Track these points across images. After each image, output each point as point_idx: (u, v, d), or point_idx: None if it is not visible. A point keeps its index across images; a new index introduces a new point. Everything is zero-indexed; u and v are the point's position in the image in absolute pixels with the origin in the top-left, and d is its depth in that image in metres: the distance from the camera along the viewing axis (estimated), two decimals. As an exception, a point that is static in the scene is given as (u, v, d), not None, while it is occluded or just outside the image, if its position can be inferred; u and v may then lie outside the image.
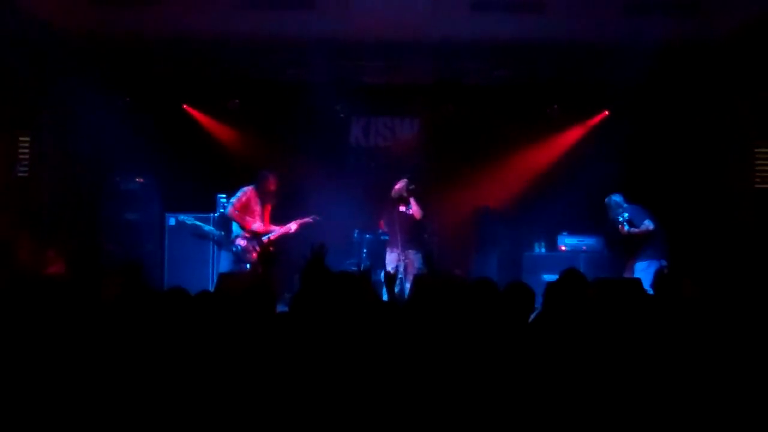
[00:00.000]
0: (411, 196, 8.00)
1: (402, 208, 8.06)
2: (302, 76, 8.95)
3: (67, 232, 8.13)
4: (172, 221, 8.88)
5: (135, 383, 2.95)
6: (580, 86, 9.14)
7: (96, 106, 8.37)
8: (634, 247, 7.63)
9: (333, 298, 3.60)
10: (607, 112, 9.43)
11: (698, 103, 8.87)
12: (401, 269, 7.83)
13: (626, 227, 7.55)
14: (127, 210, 8.97)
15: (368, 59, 8.84)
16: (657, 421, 2.97)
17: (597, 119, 9.50)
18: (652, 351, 3.34)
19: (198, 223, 8.79)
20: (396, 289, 7.52)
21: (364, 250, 8.82)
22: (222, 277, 6.68)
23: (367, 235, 8.89)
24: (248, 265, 8.03)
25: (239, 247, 8.06)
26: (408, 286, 7.51)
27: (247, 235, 8.09)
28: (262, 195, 8.19)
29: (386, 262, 8.08)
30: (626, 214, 7.57)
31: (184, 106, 9.46)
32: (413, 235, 8.07)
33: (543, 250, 9.19)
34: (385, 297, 5.32)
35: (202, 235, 8.81)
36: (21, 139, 8.58)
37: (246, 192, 8.14)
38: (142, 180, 9.09)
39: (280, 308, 4.36)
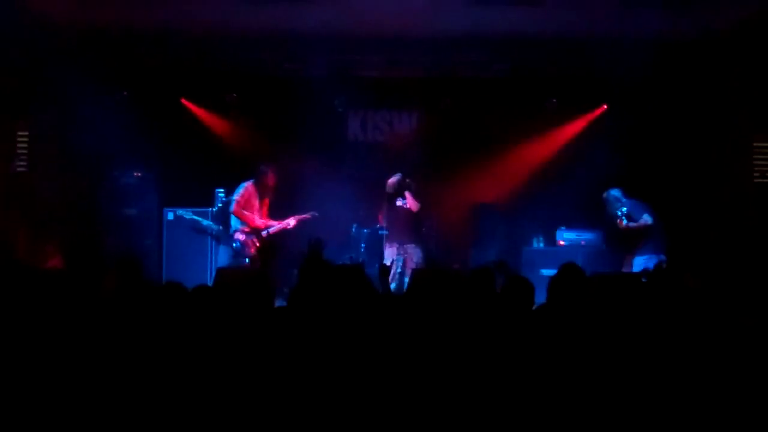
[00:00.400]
0: (405, 190, 7.97)
1: (399, 203, 8.05)
2: (300, 70, 8.94)
3: (65, 226, 8.12)
4: (170, 216, 8.88)
5: (133, 377, 2.95)
6: (579, 80, 9.14)
7: (94, 100, 8.36)
8: (632, 241, 7.62)
9: (331, 292, 3.60)
10: (605, 107, 9.42)
11: (697, 97, 8.86)
12: (400, 263, 7.82)
13: (625, 222, 7.54)
14: (125, 204, 8.96)
15: (366, 53, 8.83)
16: (657, 413, 2.97)
17: (596, 113, 9.49)
18: (651, 346, 3.34)
19: (196, 217, 8.78)
20: (395, 284, 7.56)
21: (363, 245, 8.83)
22: (220, 271, 6.68)
23: (365, 230, 8.89)
24: (247, 260, 8.03)
25: (238, 242, 8.06)
26: (407, 280, 7.50)
27: (246, 230, 8.09)
28: (261, 190, 8.19)
29: (385, 256, 8.08)
30: (625, 209, 7.55)
31: (182, 100, 9.44)
32: (412, 229, 8.05)
33: (541, 244, 9.19)
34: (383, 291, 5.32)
35: (201, 230, 8.81)
36: (19, 134, 8.57)
37: (247, 187, 8.13)
38: (140, 174, 9.08)
39: (279, 303, 4.36)
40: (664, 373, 3.15)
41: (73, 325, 3.32)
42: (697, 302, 4.10)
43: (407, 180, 8.04)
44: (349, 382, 2.96)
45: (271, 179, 8.18)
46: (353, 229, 8.95)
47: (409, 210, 8.00)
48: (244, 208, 8.07)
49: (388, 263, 7.71)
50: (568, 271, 4.26)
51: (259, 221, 8.13)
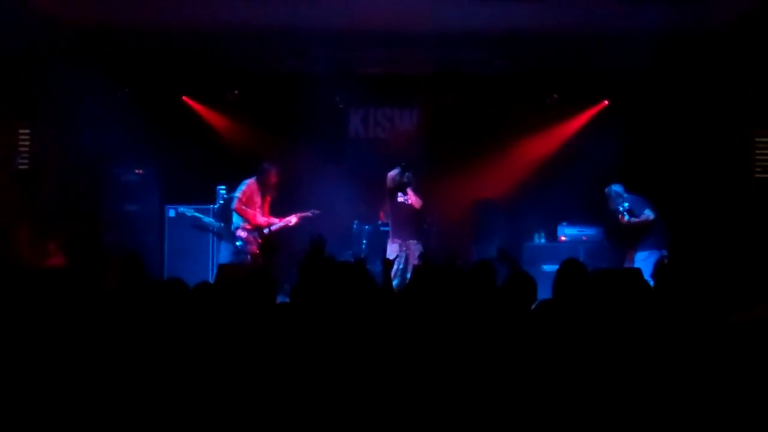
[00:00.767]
0: (407, 186, 7.95)
1: (401, 198, 8.03)
2: (301, 67, 8.93)
3: (67, 224, 8.13)
4: (171, 213, 8.88)
5: (135, 374, 2.95)
6: (580, 76, 9.13)
7: (95, 98, 8.37)
8: (634, 237, 7.63)
9: (332, 288, 3.61)
10: (607, 102, 9.41)
11: (698, 92, 8.85)
12: (402, 260, 7.82)
13: (626, 217, 7.55)
14: (126, 202, 8.99)
15: (368, 50, 8.83)
16: (660, 408, 2.98)
17: (597, 109, 9.48)
18: (654, 342, 3.34)
19: (198, 214, 8.79)
20: (398, 280, 7.55)
21: (364, 241, 8.83)
22: (222, 268, 6.69)
23: (367, 227, 8.89)
24: (249, 257, 8.04)
25: (240, 240, 8.06)
26: (409, 276, 7.49)
27: (248, 227, 8.10)
28: (263, 187, 8.20)
29: (387, 252, 8.08)
30: (626, 204, 7.56)
31: (183, 97, 9.44)
32: (414, 225, 8.04)
33: (543, 240, 9.19)
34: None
35: (202, 227, 8.82)
36: (21, 131, 8.56)
37: (249, 185, 8.14)
38: (141, 171, 9.10)
39: (280, 299, 4.36)
40: (667, 369, 3.15)
41: (75, 323, 3.33)
42: (698, 298, 4.10)
43: (408, 175, 8.00)
44: (350, 379, 2.96)
45: (273, 177, 8.19)
46: (355, 226, 8.95)
47: (411, 206, 7.99)
48: (246, 206, 8.08)
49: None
50: (569, 267, 4.26)
51: (260, 219, 8.15)
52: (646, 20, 7.57)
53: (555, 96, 9.26)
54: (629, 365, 3.15)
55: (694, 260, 7.18)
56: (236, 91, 9.29)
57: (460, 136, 9.58)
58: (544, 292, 4.22)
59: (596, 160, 8.46)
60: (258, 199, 8.18)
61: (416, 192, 8.00)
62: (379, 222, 8.85)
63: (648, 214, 7.51)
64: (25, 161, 8.49)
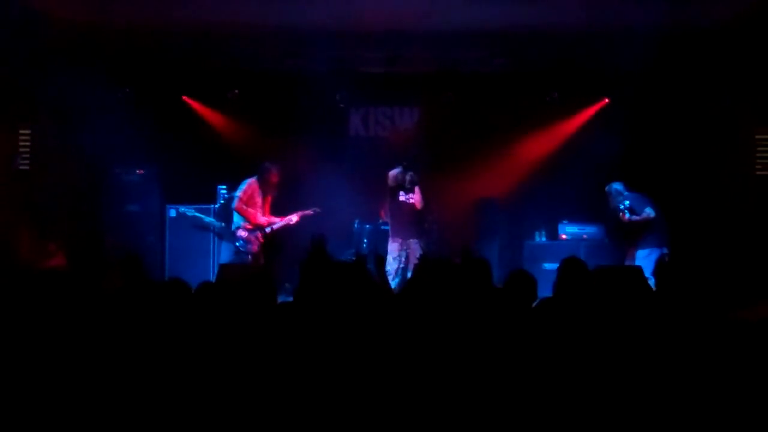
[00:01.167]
0: (416, 186, 7.95)
1: (402, 197, 8.03)
2: (302, 66, 8.93)
3: (67, 224, 8.14)
4: (172, 213, 8.89)
5: (137, 374, 2.95)
6: (580, 74, 9.12)
7: (96, 98, 8.37)
8: (635, 235, 7.63)
9: (334, 288, 3.61)
10: (607, 100, 9.40)
11: (698, 90, 8.84)
12: (403, 258, 7.82)
13: (627, 215, 7.54)
14: (127, 202, 8.99)
15: (368, 49, 8.82)
16: (661, 406, 2.98)
17: (597, 107, 9.47)
18: (655, 340, 3.34)
19: (198, 214, 8.80)
20: (398, 279, 7.56)
21: (365, 240, 8.83)
22: (223, 267, 6.69)
23: (368, 225, 8.89)
24: (250, 257, 8.04)
25: (241, 239, 8.06)
26: (410, 275, 7.49)
27: (249, 227, 8.10)
28: (264, 187, 8.20)
29: (388, 251, 8.08)
30: (627, 202, 7.56)
31: (184, 97, 9.44)
32: (415, 224, 8.04)
33: (544, 239, 9.19)
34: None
35: (203, 227, 8.82)
36: (21, 132, 8.58)
37: (250, 184, 8.14)
38: (142, 171, 9.10)
39: (281, 298, 4.37)
40: (668, 367, 3.15)
41: (76, 324, 3.33)
42: (698, 296, 4.10)
43: (412, 174, 7.99)
44: (352, 377, 2.97)
45: (274, 177, 8.18)
46: (355, 225, 8.96)
47: (412, 205, 7.99)
48: (246, 205, 8.08)
49: (393, 258, 7.73)
50: (570, 265, 4.26)
51: (261, 218, 8.15)
52: (646, 17, 7.56)
53: (555, 94, 9.24)
54: (630, 363, 3.15)
55: (695, 258, 7.17)
56: (237, 91, 9.29)
57: (461, 135, 9.57)
58: (544, 291, 4.22)
59: (597, 158, 8.46)
60: (259, 199, 8.18)
61: (421, 191, 8.01)
62: (380, 221, 8.85)
63: (649, 212, 7.51)
64: (26, 161, 8.51)
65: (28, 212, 7.97)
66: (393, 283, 7.35)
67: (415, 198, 7.95)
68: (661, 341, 3.33)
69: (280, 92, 9.29)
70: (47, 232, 7.58)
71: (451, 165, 9.32)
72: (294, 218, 8.25)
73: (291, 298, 3.92)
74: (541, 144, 9.56)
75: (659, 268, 4.72)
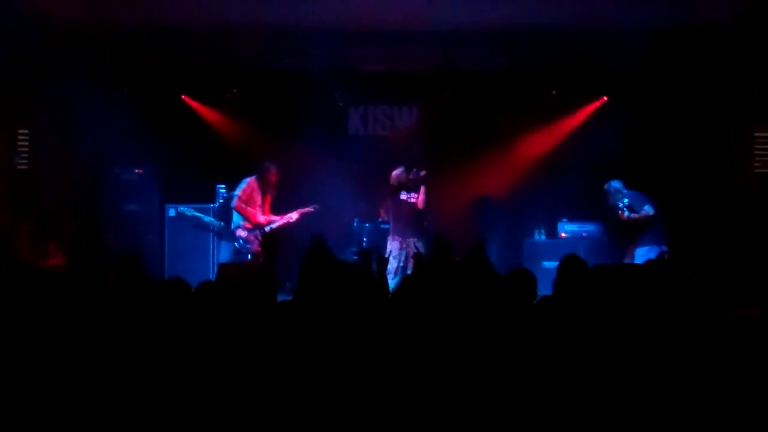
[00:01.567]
0: (422, 184, 7.95)
1: (404, 196, 8.03)
2: (301, 65, 8.93)
3: (66, 224, 8.13)
4: (171, 212, 8.88)
5: (137, 374, 2.95)
6: (579, 72, 9.12)
7: (94, 97, 8.37)
8: (634, 232, 7.63)
9: (334, 287, 3.61)
10: (606, 98, 9.40)
11: (697, 88, 8.85)
12: (402, 257, 7.83)
13: (626, 213, 7.55)
14: (126, 201, 8.98)
15: (367, 47, 8.82)
16: (659, 405, 2.98)
17: (596, 105, 9.47)
18: (654, 337, 3.34)
19: (198, 213, 8.79)
20: (398, 278, 7.55)
21: (364, 239, 8.83)
22: (222, 266, 6.69)
23: (367, 224, 8.89)
24: (249, 256, 8.03)
25: (241, 239, 8.06)
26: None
27: (248, 226, 8.09)
28: (263, 186, 8.19)
29: (387, 249, 8.08)
30: (626, 200, 7.57)
31: (183, 96, 9.43)
32: (415, 223, 8.04)
33: (543, 237, 9.19)
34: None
35: (202, 226, 8.82)
36: (20, 131, 8.57)
37: (249, 183, 8.14)
38: (141, 171, 9.09)
39: (281, 297, 4.36)
40: (668, 364, 3.15)
41: (75, 323, 3.33)
42: (698, 294, 4.10)
43: (415, 171, 7.99)
44: (350, 377, 2.97)
45: (273, 176, 8.18)
46: (355, 224, 8.95)
47: (414, 204, 8.00)
48: (245, 204, 8.08)
49: (392, 257, 7.72)
50: (569, 263, 4.27)
51: (260, 217, 8.14)
52: (644, 16, 7.58)
53: (554, 92, 9.25)
54: (630, 361, 3.16)
55: (694, 256, 7.18)
56: (235, 90, 9.28)
57: (460, 134, 9.57)
58: (544, 289, 4.22)
59: (596, 156, 8.47)
60: (258, 198, 8.18)
61: (426, 191, 8.01)
62: (380, 219, 8.84)
63: (648, 209, 7.51)
64: (25, 161, 8.49)
65: (27, 212, 7.96)
66: (393, 281, 7.34)
67: (417, 197, 7.95)
68: (661, 339, 3.34)
69: (279, 91, 9.28)
70: (46, 231, 7.58)
71: (450, 163, 9.31)
72: (294, 216, 8.25)
73: (291, 297, 3.92)
74: (541, 142, 9.56)
75: (659, 267, 4.73)
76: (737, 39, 8.12)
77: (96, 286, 4.30)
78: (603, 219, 8.75)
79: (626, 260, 7.65)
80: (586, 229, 9.01)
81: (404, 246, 7.88)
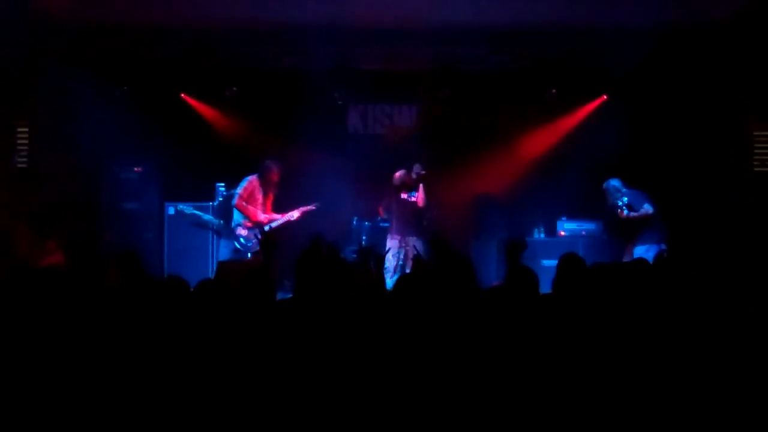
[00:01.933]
0: (420, 183, 7.98)
1: (404, 196, 8.06)
2: (300, 64, 8.93)
3: (65, 222, 8.12)
4: (171, 210, 8.88)
5: (136, 372, 2.96)
6: (579, 71, 9.12)
7: (94, 95, 8.36)
8: (633, 231, 7.63)
9: (331, 285, 3.61)
10: (605, 97, 9.40)
11: (697, 86, 8.85)
12: (401, 256, 7.84)
13: (625, 211, 7.55)
14: (125, 199, 8.98)
15: (366, 46, 8.82)
16: (657, 404, 2.98)
17: (595, 104, 9.47)
18: (653, 336, 3.35)
19: (197, 212, 8.78)
20: (396, 276, 7.56)
21: (363, 238, 8.83)
22: (221, 265, 6.68)
23: (366, 223, 8.89)
24: (249, 255, 8.02)
25: (242, 238, 8.04)
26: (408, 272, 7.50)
27: (249, 224, 8.08)
28: (265, 185, 8.17)
29: (387, 248, 8.09)
30: (625, 199, 7.57)
31: (182, 94, 9.43)
32: (414, 222, 8.07)
33: (542, 235, 9.19)
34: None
35: (202, 224, 8.81)
36: (19, 129, 8.57)
37: (251, 181, 8.12)
38: (140, 169, 9.09)
39: (281, 295, 4.36)
40: (666, 362, 3.16)
41: (75, 321, 3.33)
42: (698, 292, 4.11)
43: (423, 172, 8.01)
44: (349, 375, 2.97)
45: (275, 175, 8.16)
46: (354, 222, 8.96)
47: (415, 203, 8.02)
48: (247, 202, 8.06)
49: (391, 256, 7.74)
50: (568, 261, 4.27)
51: (261, 216, 8.12)
52: (644, 14, 7.57)
53: (553, 91, 9.25)
54: (629, 358, 3.16)
55: (694, 254, 7.19)
56: (235, 88, 9.28)
57: (459, 132, 9.58)
58: (543, 287, 4.22)
59: (595, 154, 8.47)
60: (259, 197, 8.16)
61: (425, 189, 8.03)
62: (379, 218, 8.85)
63: (647, 208, 7.51)
64: (24, 159, 8.49)
65: (26, 210, 7.96)
66: (392, 280, 7.35)
67: (417, 196, 7.99)
68: (659, 337, 3.34)
69: (279, 89, 9.28)
70: (46, 229, 7.57)
71: (449, 162, 9.32)
72: (295, 214, 8.24)
73: (290, 295, 3.93)
74: (540, 141, 9.56)
75: (657, 264, 4.74)
76: (737, 38, 8.12)
77: (95, 285, 4.30)
78: (602, 218, 8.75)
79: (625, 259, 7.65)
80: (586, 227, 9.02)
81: (403, 245, 7.91)
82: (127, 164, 9.05)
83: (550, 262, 8.01)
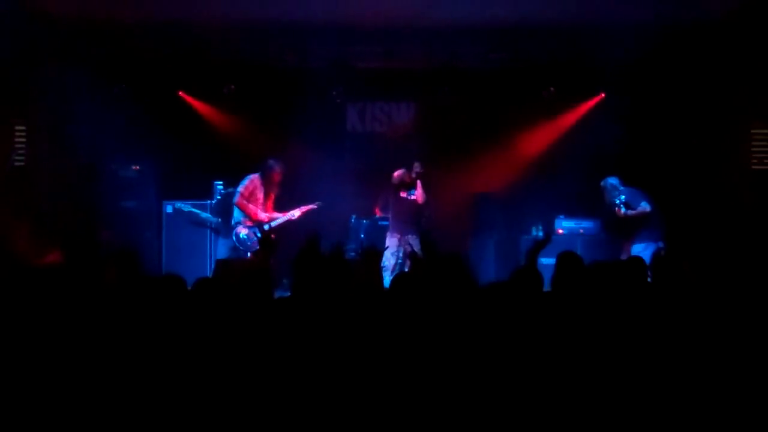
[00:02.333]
0: (418, 180, 7.98)
1: (403, 194, 8.07)
2: (298, 62, 8.93)
3: (63, 221, 8.12)
4: (169, 209, 8.87)
5: (133, 370, 2.96)
6: (576, 69, 9.12)
7: (91, 93, 8.35)
8: (630, 229, 7.64)
9: (328, 284, 3.61)
10: (603, 95, 9.41)
11: (695, 84, 8.86)
12: (400, 254, 7.84)
13: (623, 210, 7.56)
14: (123, 198, 8.97)
15: (364, 44, 8.82)
16: (655, 403, 2.99)
17: (593, 102, 9.48)
18: (651, 334, 3.35)
19: (195, 210, 8.77)
20: (395, 274, 7.56)
21: (362, 236, 8.84)
22: (219, 263, 6.68)
23: (365, 221, 8.90)
24: (249, 254, 7.99)
25: (241, 236, 8.02)
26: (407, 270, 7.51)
27: (249, 223, 8.04)
28: (267, 184, 8.09)
29: (386, 247, 8.09)
30: (623, 197, 7.58)
31: (180, 93, 9.42)
32: (413, 220, 8.07)
33: (540, 233, 9.19)
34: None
35: (200, 223, 8.80)
36: (16, 128, 8.56)
37: (252, 180, 8.06)
38: (138, 168, 9.08)
39: (279, 294, 4.36)
40: (664, 360, 3.16)
41: (72, 320, 3.33)
42: (695, 290, 4.11)
43: (421, 170, 8.01)
44: (347, 373, 2.97)
45: (278, 175, 8.07)
46: (352, 220, 8.96)
47: (414, 201, 8.03)
48: (247, 201, 8.03)
49: (391, 254, 7.74)
50: (566, 259, 4.27)
51: (262, 214, 8.07)
52: (642, 12, 7.58)
53: (551, 89, 9.25)
54: (626, 356, 3.16)
55: (691, 252, 7.19)
56: (233, 86, 9.26)
57: (457, 130, 9.59)
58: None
59: (593, 152, 8.48)
60: (260, 195, 8.12)
61: (424, 186, 8.03)
62: (377, 216, 8.85)
63: (644, 206, 7.52)
64: (22, 158, 8.48)
65: (24, 209, 7.94)
66: (390, 278, 7.35)
67: (416, 193, 8.00)
68: (657, 335, 3.35)
69: (277, 87, 9.28)
70: (43, 228, 7.57)
71: (447, 160, 9.32)
72: (296, 213, 8.19)
73: (288, 294, 3.93)
74: (538, 139, 9.57)
75: (655, 262, 4.74)
76: (734, 36, 8.13)
77: (93, 283, 4.30)
78: (600, 216, 8.76)
79: (623, 257, 7.65)
80: (584, 225, 9.02)
81: (402, 243, 7.91)
82: (125, 162, 9.04)
83: (548, 260, 8.00)
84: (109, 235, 8.51)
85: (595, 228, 9.00)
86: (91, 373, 2.95)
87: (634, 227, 7.59)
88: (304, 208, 8.21)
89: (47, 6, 7.61)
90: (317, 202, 8.25)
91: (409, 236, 7.97)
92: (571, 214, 9.09)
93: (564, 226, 9.07)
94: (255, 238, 7.94)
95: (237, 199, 8.02)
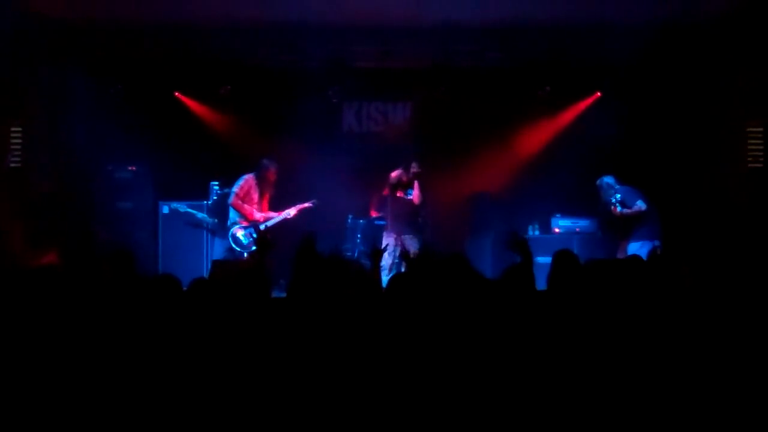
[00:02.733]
0: (416, 180, 7.99)
1: (401, 194, 8.07)
2: (294, 62, 8.93)
3: (60, 221, 8.11)
4: (165, 209, 8.86)
5: (129, 370, 2.95)
6: (573, 68, 9.13)
7: (87, 94, 8.34)
8: (626, 228, 7.66)
9: (326, 283, 3.61)
10: (599, 94, 9.42)
11: (690, 83, 8.87)
12: (397, 254, 7.85)
13: (618, 208, 7.57)
14: (119, 198, 8.95)
15: (360, 44, 8.82)
16: (653, 402, 2.99)
17: (589, 101, 9.49)
18: (648, 333, 3.35)
19: (191, 210, 8.77)
20: (392, 273, 7.56)
21: (358, 236, 8.84)
22: (216, 264, 6.67)
23: (361, 221, 8.90)
24: (245, 254, 7.99)
25: (237, 236, 8.02)
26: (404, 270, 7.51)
27: (245, 223, 8.05)
28: (262, 184, 8.13)
29: (383, 246, 8.09)
30: (618, 195, 7.60)
31: (176, 93, 9.41)
32: (410, 220, 8.08)
33: (537, 232, 9.20)
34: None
35: (196, 223, 8.80)
36: (12, 129, 8.53)
37: (247, 180, 8.09)
38: (134, 168, 9.06)
39: (276, 294, 4.36)
40: (662, 359, 3.16)
41: (69, 321, 3.32)
42: (691, 289, 4.12)
43: (419, 170, 8.01)
44: (345, 373, 2.97)
45: (272, 174, 8.12)
46: (349, 220, 8.95)
47: (411, 201, 8.03)
48: (243, 201, 8.03)
49: (387, 254, 7.74)
50: (562, 257, 4.28)
51: (257, 214, 8.09)
52: (638, 12, 7.59)
53: (547, 88, 9.26)
54: (623, 355, 3.17)
55: (687, 251, 7.20)
56: (229, 87, 9.25)
57: (454, 130, 9.59)
58: (537, 283, 4.23)
59: (589, 151, 8.49)
60: (255, 195, 8.13)
61: (421, 187, 8.03)
62: (373, 216, 8.85)
63: (640, 204, 7.54)
64: (17, 159, 8.46)
65: (19, 210, 7.93)
66: (387, 278, 7.35)
67: (413, 193, 8.01)
68: (654, 333, 3.35)
69: (273, 88, 9.27)
70: (39, 229, 7.55)
71: (444, 160, 9.33)
72: (292, 212, 8.21)
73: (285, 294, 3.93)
74: (534, 138, 9.58)
75: (651, 261, 4.75)
76: (729, 35, 8.14)
77: (89, 284, 4.29)
78: (596, 214, 8.77)
79: (619, 255, 7.67)
80: (580, 224, 9.04)
81: (398, 243, 7.92)
82: (121, 163, 9.03)
83: (545, 259, 8.01)
84: (106, 236, 8.50)
85: (591, 226, 9.02)
86: (87, 374, 2.95)
87: (629, 226, 7.61)
88: (300, 207, 8.22)
89: (43, 7, 7.59)
90: (313, 201, 8.27)
91: (406, 236, 7.98)
92: (567, 212, 9.10)
93: (560, 224, 9.08)
94: (251, 239, 7.94)
95: (232, 199, 8.03)
